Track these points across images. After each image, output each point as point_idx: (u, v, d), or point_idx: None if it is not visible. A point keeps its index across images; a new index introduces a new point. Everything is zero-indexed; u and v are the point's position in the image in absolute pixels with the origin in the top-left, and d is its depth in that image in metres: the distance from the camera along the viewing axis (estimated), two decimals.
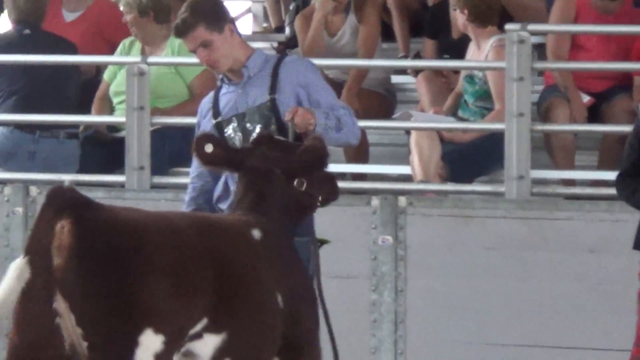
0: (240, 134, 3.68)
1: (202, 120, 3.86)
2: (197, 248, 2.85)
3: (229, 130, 3.76)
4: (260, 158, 3.28)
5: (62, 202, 2.65)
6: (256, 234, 3.09)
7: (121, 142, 5.08)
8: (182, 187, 4.50)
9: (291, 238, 3.33)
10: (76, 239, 2.59)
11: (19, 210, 4.83)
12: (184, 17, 3.69)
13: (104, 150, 5.32)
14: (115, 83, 5.37)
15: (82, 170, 5.22)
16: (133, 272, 2.67)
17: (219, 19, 3.76)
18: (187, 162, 4.65)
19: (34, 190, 4.83)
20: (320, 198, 3.36)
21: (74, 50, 5.43)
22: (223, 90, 3.81)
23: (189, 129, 4.67)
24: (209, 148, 3.27)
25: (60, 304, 2.58)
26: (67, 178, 4.70)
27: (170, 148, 5.18)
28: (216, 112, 3.82)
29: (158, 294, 2.69)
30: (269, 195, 3.27)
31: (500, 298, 4.67)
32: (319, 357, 3.24)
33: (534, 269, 4.76)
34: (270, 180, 3.27)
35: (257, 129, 3.64)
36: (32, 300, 2.59)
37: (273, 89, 3.71)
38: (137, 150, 4.97)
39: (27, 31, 5.40)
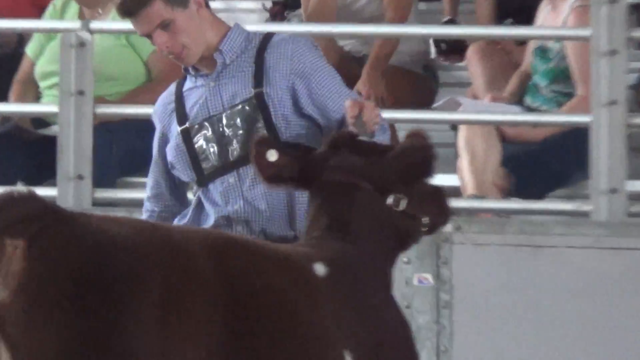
0: (215, 145, 3.41)
1: (163, 122, 3.58)
2: (207, 280, 2.51)
3: (200, 141, 3.50)
4: (341, 168, 2.94)
5: (16, 213, 2.26)
6: (320, 269, 2.73)
7: (52, 141, 4.59)
8: (136, 204, 4.21)
9: (386, 276, 2.97)
10: (29, 266, 2.25)
11: None
12: None
13: (27, 151, 4.83)
14: (43, 60, 4.95)
15: None
16: (107, 315, 2.32)
17: None
18: (142, 170, 4.49)
19: None
20: (425, 221, 2.99)
21: None
22: (188, 85, 3.52)
23: (145, 124, 4.13)
24: (272, 156, 2.96)
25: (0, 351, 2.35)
26: None
27: (121, 150, 4.71)
28: (181, 115, 3.52)
29: (141, 345, 2.35)
30: (354, 219, 2.93)
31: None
32: None
33: (632, 319, 4.33)
34: (355, 198, 2.94)
35: (239, 136, 3.39)
36: None
37: (259, 80, 3.43)
38: (74, 153, 4.48)
39: None
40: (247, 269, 2.62)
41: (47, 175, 4.56)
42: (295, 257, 2.77)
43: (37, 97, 5.02)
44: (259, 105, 3.36)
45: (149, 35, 3.41)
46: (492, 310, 4.16)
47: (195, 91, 3.48)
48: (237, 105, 3.40)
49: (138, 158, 4.51)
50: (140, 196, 4.26)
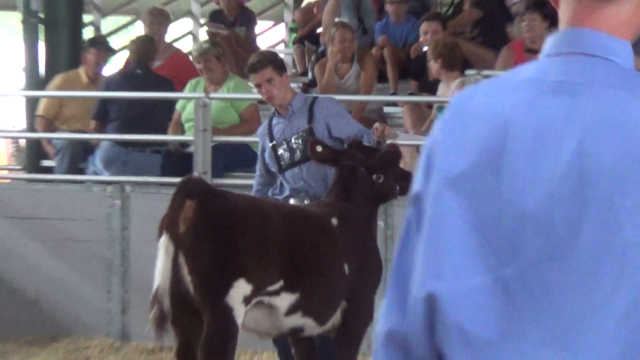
0: (288, 152, 4.91)
1: (263, 141, 5.09)
2: (280, 230, 4.05)
3: (281, 150, 4.96)
4: (350, 158, 4.48)
5: (192, 187, 3.89)
6: (334, 221, 4.32)
7: (190, 155, 6.88)
8: (233, 187, 6.17)
9: (371, 220, 4.57)
10: (197, 214, 3.75)
11: (117, 202, 6.54)
12: (259, 58, 4.94)
13: (178, 160, 7.12)
14: (185, 112, 7.08)
15: (163, 175, 6.97)
16: (231, 241, 3.89)
17: (281, 67, 4.99)
18: (236, 169, 6.76)
19: (127, 188, 6.60)
20: (397, 189, 4.53)
21: (171, 87, 7.20)
22: (274, 122, 5.04)
23: (238, 145, 6.70)
24: (319, 149, 4.49)
25: (181, 259, 3.82)
26: (152, 180, 6.75)
27: (225, 159, 6.84)
28: (271, 137, 5.01)
29: (248, 257, 3.90)
30: (353, 186, 4.46)
31: None
32: (371, 315, 4.36)
33: None
34: (355, 175, 4.47)
35: (300, 148, 4.87)
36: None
37: (310, 120, 4.92)
38: (202, 160, 6.57)
39: (138, 71, 7.20)
40: (299, 224, 4.20)
41: (188, 172, 6.26)
42: (322, 214, 4.32)
43: (183, 131, 7.18)
44: (310, 132, 4.86)
45: (258, 85, 4.90)
46: None
47: (278, 125, 5.02)
48: (299, 132, 4.89)
49: (234, 163, 6.78)
50: (234, 182, 6.49)
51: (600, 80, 1.09)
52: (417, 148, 6.48)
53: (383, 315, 1.16)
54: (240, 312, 3.95)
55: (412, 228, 1.15)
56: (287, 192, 4.92)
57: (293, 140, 4.90)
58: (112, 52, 8.10)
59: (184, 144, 7.28)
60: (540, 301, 1.03)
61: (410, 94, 7.68)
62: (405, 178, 4.48)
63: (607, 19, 1.14)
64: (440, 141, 1.13)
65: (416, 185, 1.16)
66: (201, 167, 6.56)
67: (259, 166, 5.14)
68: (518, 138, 1.08)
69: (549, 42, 1.19)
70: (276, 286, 4.07)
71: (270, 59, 4.99)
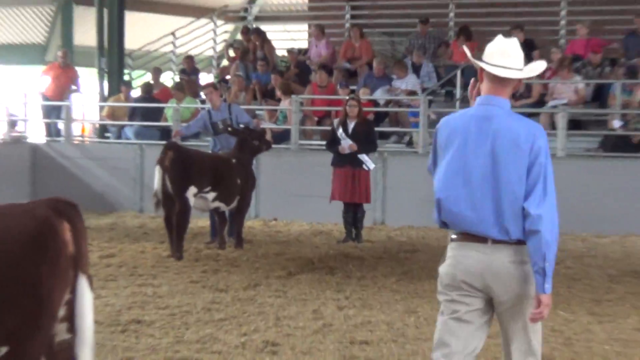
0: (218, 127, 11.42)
1: (205, 120, 11.95)
2: (209, 164, 10.84)
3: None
4: (243, 132, 11.14)
5: (170, 145, 10.82)
6: (234, 160, 10.94)
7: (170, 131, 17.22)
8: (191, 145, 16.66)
9: (251, 162, 11.50)
10: (172, 156, 10.23)
11: (138, 153, 16.41)
12: (211, 85, 15.36)
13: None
14: (168, 113, 17.16)
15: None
16: (187, 169, 10.26)
17: (217, 89, 13.13)
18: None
19: (144, 147, 15.95)
20: (263, 148, 11.54)
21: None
22: (212, 113, 11.64)
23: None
24: (229, 128, 11.32)
25: (165, 176, 10.27)
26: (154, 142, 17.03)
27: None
28: (210, 119, 11.65)
29: (195, 176, 10.30)
30: (244, 146, 11.14)
31: None
32: (249, 204, 11.72)
33: None
34: (245, 140, 11.13)
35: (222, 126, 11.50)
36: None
37: (229, 113, 11.47)
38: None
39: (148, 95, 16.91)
40: (218, 161, 11.43)
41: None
42: (229, 158, 11.13)
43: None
44: (229, 120, 11.40)
45: (208, 94, 12.57)
46: None
47: (214, 115, 11.77)
48: (224, 119, 11.48)
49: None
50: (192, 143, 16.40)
51: (499, 115, 3.77)
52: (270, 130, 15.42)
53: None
54: (191, 201, 10.24)
55: (432, 166, 4.08)
56: (217, 147, 11.52)
57: (220, 123, 11.19)
58: (132, 87, 17.68)
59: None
60: (478, 193, 3.84)
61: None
62: (267, 144, 11.61)
63: (501, 92, 3.82)
64: (438, 132, 3.91)
65: (432, 149, 4.01)
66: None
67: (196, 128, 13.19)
68: (461, 135, 3.85)
69: (479, 100, 3.82)
70: (207, 189, 10.42)
71: (214, 85, 12.70)
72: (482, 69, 4.00)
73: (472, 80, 4.17)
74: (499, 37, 4.10)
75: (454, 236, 4.04)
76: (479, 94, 4.03)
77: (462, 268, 3.97)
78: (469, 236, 3.96)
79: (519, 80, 4.08)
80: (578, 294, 8.48)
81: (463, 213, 3.91)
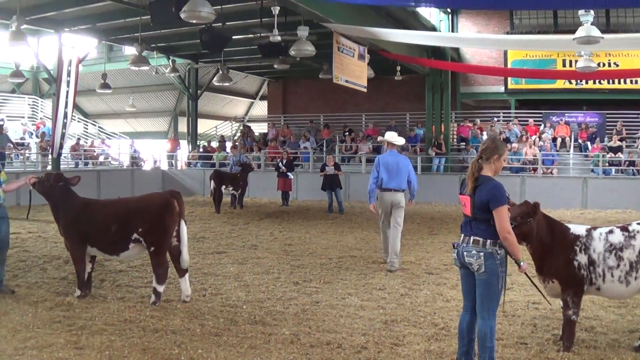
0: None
1: None
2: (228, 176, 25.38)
3: None
4: (243, 164, 25.89)
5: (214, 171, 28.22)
6: (239, 175, 25.61)
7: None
8: None
9: (246, 176, 26.69)
10: (215, 174, 26.80)
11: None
12: None
13: None
14: None
15: None
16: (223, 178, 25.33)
17: None
18: None
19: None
20: (251, 170, 26.33)
21: None
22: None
23: None
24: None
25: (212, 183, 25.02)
26: None
27: None
28: None
29: (225, 181, 25.36)
30: (244, 169, 25.62)
31: None
32: (245, 191, 26.39)
33: None
34: (245, 167, 25.72)
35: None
36: None
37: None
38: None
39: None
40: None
41: None
42: (237, 173, 25.86)
43: None
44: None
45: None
46: None
47: None
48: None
49: None
50: None
51: (396, 155, 13.01)
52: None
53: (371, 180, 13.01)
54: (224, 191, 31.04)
55: (374, 171, 12.86)
56: (233, 169, 27.62)
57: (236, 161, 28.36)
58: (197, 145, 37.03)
59: None
60: (393, 176, 12.96)
61: None
62: (252, 169, 26.48)
63: (395, 148, 13.42)
64: (379, 162, 12.59)
65: (375, 165, 12.86)
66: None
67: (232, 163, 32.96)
68: (386, 164, 12.56)
69: (388, 152, 13.12)
70: (229, 187, 25.89)
71: (235, 146, 31.99)
72: (387, 142, 12.98)
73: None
74: (388, 131, 13.38)
75: (379, 190, 12.80)
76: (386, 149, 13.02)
77: (384, 200, 12.67)
78: (386, 189, 12.57)
79: (401, 146, 13.92)
80: None
81: (387, 182, 12.64)
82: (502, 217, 6.10)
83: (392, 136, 13.24)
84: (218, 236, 17.25)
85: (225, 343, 7.53)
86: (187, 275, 9.58)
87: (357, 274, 12.16)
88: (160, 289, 9.27)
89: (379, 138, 13.38)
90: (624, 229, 7.41)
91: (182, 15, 16.02)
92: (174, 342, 7.49)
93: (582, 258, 7.27)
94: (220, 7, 19.94)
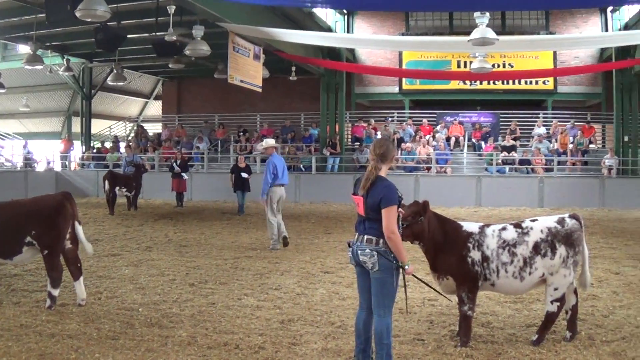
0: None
1: None
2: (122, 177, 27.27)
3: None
4: (137, 165, 26.30)
5: (108, 172, 30.88)
6: (131, 175, 27.91)
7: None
8: None
9: (140, 177, 30.65)
10: (109, 175, 28.34)
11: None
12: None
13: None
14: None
15: None
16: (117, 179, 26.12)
17: None
18: None
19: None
20: (144, 172, 27.17)
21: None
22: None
23: None
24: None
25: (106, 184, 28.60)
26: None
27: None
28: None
29: (119, 182, 27.79)
30: (138, 170, 26.38)
31: None
32: (139, 192, 29.37)
33: None
34: (138, 167, 26.55)
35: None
36: None
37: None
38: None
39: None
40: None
41: None
42: (130, 174, 27.44)
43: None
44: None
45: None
46: None
47: None
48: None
49: None
50: None
51: (282, 158, 16.17)
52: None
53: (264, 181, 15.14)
54: (117, 192, 30.92)
55: (270, 171, 14.95)
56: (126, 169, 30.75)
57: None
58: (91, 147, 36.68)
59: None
60: (283, 173, 15.76)
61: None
62: (145, 170, 27.43)
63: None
64: (274, 163, 14.72)
65: (273, 165, 15.00)
66: None
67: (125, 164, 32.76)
68: (279, 164, 14.85)
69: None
70: (123, 188, 27.60)
71: (129, 146, 32.50)
72: (271, 147, 16.02)
73: None
74: (266, 139, 16.26)
75: (274, 186, 15.11)
76: None
77: (278, 194, 15.26)
78: (280, 184, 15.27)
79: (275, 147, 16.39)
80: None
81: (280, 179, 15.34)
82: (390, 217, 6.22)
83: (271, 142, 15.93)
84: (112, 238, 17.29)
85: (122, 346, 7.52)
86: (81, 279, 9.51)
87: (253, 274, 12.35)
88: (55, 292, 9.20)
89: (258, 147, 16.00)
90: (517, 225, 7.62)
91: (78, 14, 16.04)
92: (70, 346, 7.47)
93: (475, 254, 7.42)
94: (115, 5, 19.77)
